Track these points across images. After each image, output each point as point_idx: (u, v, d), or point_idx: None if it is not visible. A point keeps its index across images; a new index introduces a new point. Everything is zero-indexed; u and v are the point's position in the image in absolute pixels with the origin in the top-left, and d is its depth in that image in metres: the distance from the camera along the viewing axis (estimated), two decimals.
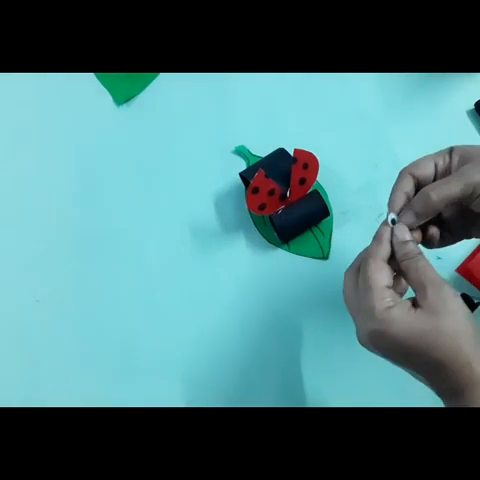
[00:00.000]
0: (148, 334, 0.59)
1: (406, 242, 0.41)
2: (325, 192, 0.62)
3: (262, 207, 0.57)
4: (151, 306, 0.60)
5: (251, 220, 0.62)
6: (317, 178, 0.58)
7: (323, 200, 0.59)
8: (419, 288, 0.40)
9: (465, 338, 0.38)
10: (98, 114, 0.67)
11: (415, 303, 0.40)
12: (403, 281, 0.43)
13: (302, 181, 0.58)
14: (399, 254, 0.41)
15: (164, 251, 0.61)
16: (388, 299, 0.39)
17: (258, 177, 0.55)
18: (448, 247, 0.59)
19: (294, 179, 0.57)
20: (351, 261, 0.60)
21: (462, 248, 0.59)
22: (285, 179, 0.58)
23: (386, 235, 0.43)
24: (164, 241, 0.62)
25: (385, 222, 0.43)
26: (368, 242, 0.61)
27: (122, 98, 0.67)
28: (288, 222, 0.58)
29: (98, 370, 0.58)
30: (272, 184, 0.56)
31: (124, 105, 0.67)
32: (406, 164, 0.45)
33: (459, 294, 0.40)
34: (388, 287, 0.40)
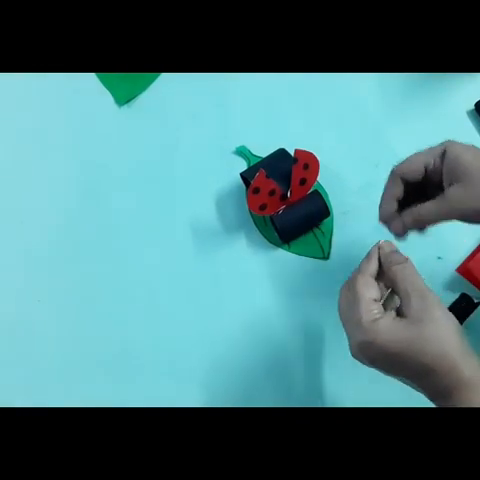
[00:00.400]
0: (149, 334, 0.59)
1: (392, 252, 0.44)
2: (326, 192, 0.62)
3: (263, 207, 0.57)
4: (152, 306, 0.60)
5: (252, 220, 0.62)
6: (318, 178, 0.58)
7: (324, 200, 0.59)
8: (404, 297, 0.41)
9: (450, 343, 0.39)
10: (99, 115, 0.67)
11: (400, 312, 0.41)
12: (396, 297, 0.44)
13: (303, 181, 0.58)
14: (386, 263, 0.43)
15: (165, 251, 0.61)
16: (375, 311, 0.41)
17: (259, 177, 0.55)
18: (448, 247, 0.60)
19: (295, 179, 0.57)
20: (352, 261, 0.60)
21: (462, 248, 0.59)
22: (286, 179, 0.58)
23: (375, 254, 0.45)
24: (165, 241, 0.62)
25: (377, 245, 0.46)
26: (369, 242, 0.61)
27: (123, 99, 0.67)
28: (289, 222, 0.58)
29: (99, 370, 0.58)
30: (273, 184, 0.56)
31: (125, 106, 0.67)
32: None
33: (443, 304, 0.41)
34: (375, 300, 0.42)
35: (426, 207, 0.44)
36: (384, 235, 0.60)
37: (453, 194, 0.43)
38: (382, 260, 0.44)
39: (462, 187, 0.43)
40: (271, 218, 0.59)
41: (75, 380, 0.58)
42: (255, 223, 0.62)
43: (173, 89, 0.67)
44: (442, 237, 0.60)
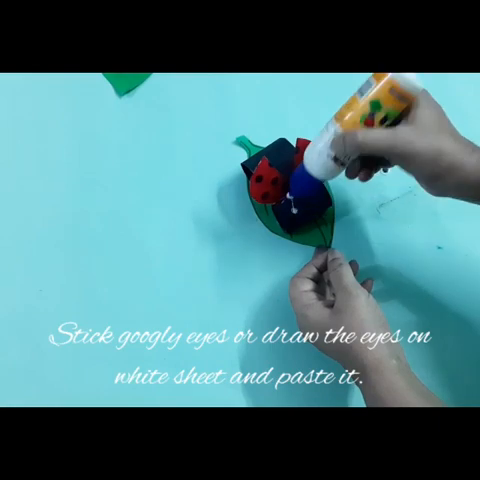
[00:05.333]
0: (149, 325, 0.59)
1: (334, 259, 0.54)
2: (327, 182, 0.62)
3: (265, 196, 0.57)
4: (153, 296, 0.60)
5: (253, 209, 0.62)
6: None
7: (325, 190, 0.59)
8: (334, 292, 0.52)
9: (360, 332, 0.47)
10: (100, 105, 0.67)
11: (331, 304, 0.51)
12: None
13: None
14: (329, 268, 0.54)
15: (166, 241, 0.61)
16: (308, 297, 0.53)
17: (262, 165, 0.55)
18: (448, 237, 0.60)
19: None
20: (353, 249, 0.61)
21: (462, 238, 0.60)
22: (287, 169, 0.58)
23: (314, 261, 0.56)
24: (166, 231, 0.62)
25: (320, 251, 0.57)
26: (369, 231, 0.62)
27: (124, 89, 0.67)
28: (292, 212, 0.58)
29: (100, 362, 0.58)
30: (276, 173, 0.57)
31: (125, 96, 0.67)
32: None
33: (368, 299, 0.50)
34: (307, 291, 0.54)
35: (374, 132, 0.47)
36: (383, 225, 0.62)
37: (403, 128, 0.46)
38: (328, 265, 0.54)
39: (413, 125, 0.46)
40: (273, 208, 0.60)
41: (76, 373, 0.58)
42: (256, 212, 0.62)
43: (173, 79, 0.67)
44: (442, 227, 0.61)
